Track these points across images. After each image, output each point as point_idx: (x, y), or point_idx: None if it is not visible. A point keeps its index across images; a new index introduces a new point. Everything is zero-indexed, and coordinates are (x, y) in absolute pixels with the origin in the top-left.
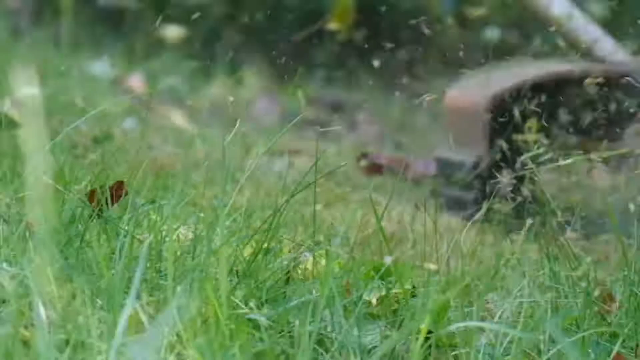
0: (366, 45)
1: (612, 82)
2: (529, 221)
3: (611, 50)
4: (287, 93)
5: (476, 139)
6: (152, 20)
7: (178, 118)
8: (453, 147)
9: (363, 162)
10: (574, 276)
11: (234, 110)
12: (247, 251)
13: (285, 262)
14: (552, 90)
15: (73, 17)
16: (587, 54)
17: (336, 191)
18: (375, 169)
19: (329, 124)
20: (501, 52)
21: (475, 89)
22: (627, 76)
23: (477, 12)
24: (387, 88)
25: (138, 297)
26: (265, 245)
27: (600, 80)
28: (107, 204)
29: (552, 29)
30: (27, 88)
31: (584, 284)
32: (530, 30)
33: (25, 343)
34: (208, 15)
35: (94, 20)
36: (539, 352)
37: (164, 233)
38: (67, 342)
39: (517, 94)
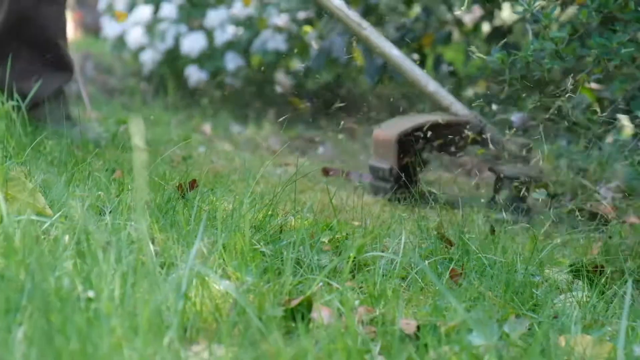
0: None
1: (462, 125)
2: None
3: (460, 108)
4: (284, 134)
5: (390, 156)
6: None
7: (227, 146)
8: (378, 160)
9: (324, 170)
10: (431, 228)
11: (257, 142)
12: (260, 215)
13: (280, 221)
14: (430, 129)
15: (174, 93)
16: (447, 110)
17: (309, 184)
18: (330, 173)
19: (306, 150)
20: (400, 110)
21: (389, 129)
22: (468, 123)
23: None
24: (336, 131)
25: (202, 239)
26: (270, 212)
27: (455, 124)
28: (187, 191)
29: (429, 97)
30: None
31: (435, 232)
32: (416, 98)
33: (143, 264)
34: (244, 91)
35: (185, 94)
36: (412, 268)
37: (216, 206)
38: (164, 263)
39: (412, 131)
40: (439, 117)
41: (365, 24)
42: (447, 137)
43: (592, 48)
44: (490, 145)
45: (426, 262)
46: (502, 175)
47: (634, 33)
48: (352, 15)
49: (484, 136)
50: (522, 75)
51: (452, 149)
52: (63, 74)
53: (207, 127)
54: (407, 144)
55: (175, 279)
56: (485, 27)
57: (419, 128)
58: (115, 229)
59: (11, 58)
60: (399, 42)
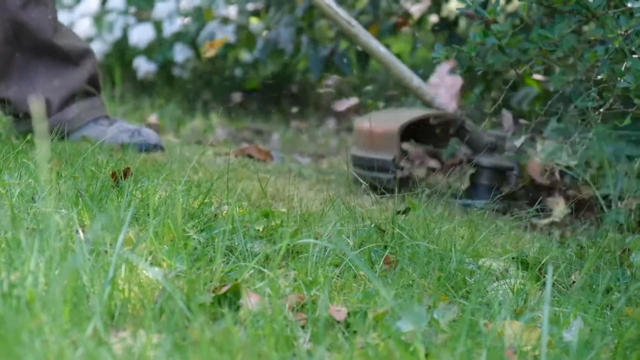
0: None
1: (448, 120)
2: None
3: (441, 103)
4: (232, 125)
5: (393, 147)
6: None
7: (171, 137)
8: (375, 152)
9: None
10: (368, 217)
11: (204, 134)
12: (195, 203)
13: (214, 209)
14: (422, 123)
15: (122, 84)
16: (429, 104)
17: (247, 173)
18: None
19: (253, 141)
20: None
21: (386, 121)
22: (452, 117)
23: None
24: (283, 122)
25: (133, 226)
26: (204, 200)
27: (441, 118)
28: (121, 179)
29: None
30: None
31: (368, 222)
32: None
33: (73, 251)
34: (193, 82)
35: (134, 86)
36: (346, 255)
37: (150, 194)
38: (92, 250)
39: (410, 124)
40: (430, 111)
41: (354, 22)
42: (435, 131)
43: (534, 41)
44: (469, 138)
45: (360, 249)
46: (480, 166)
47: (576, 25)
48: (342, 13)
49: (464, 130)
50: (468, 68)
51: (438, 142)
52: (74, 70)
53: (153, 118)
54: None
55: (102, 265)
56: (433, 18)
57: (418, 121)
58: (44, 215)
59: (18, 69)
60: (345, 34)
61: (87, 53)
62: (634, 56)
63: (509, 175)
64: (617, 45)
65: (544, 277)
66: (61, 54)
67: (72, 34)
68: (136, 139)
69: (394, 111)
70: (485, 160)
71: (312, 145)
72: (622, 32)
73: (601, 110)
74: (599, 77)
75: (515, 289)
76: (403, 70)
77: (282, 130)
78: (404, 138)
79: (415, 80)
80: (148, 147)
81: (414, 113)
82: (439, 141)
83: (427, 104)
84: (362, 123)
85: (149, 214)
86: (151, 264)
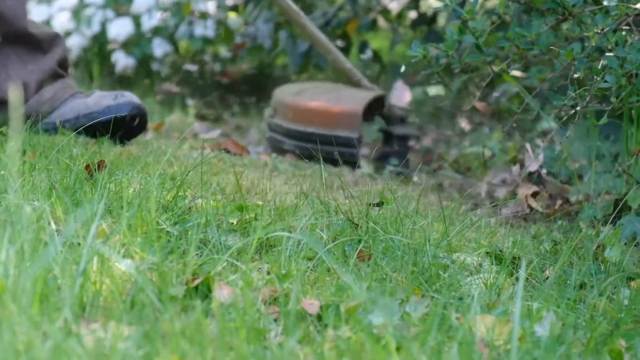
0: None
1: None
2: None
3: (367, 83)
4: (209, 118)
5: (357, 126)
6: (144, 80)
7: (150, 131)
8: (338, 130)
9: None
10: (342, 211)
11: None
12: (169, 196)
13: (188, 202)
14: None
15: (100, 78)
16: (357, 84)
17: (223, 167)
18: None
19: (231, 135)
20: None
21: (343, 100)
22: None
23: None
24: (262, 117)
25: (106, 218)
26: (179, 193)
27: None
28: (95, 171)
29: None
30: None
31: (342, 216)
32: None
33: (45, 243)
34: (172, 77)
35: (112, 80)
36: (316, 253)
37: (124, 186)
38: (65, 242)
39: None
40: (378, 93)
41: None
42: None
43: (511, 39)
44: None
45: (334, 243)
46: (392, 134)
47: (553, 23)
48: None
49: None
50: (446, 65)
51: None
52: (46, 55)
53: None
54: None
55: (74, 257)
56: (411, 14)
57: (374, 100)
58: (16, 207)
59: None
60: (324, 28)
61: (56, 38)
62: (610, 54)
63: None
64: (593, 44)
65: (518, 271)
66: (34, 41)
67: (38, 22)
68: (120, 100)
69: (318, 86)
70: (397, 129)
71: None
72: (599, 31)
73: (578, 108)
74: (576, 75)
75: (488, 284)
76: (337, 54)
77: (260, 126)
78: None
79: (347, 64)
80: (133, 107)
81: (363, 93)
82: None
83: (355, 84)
84: (298, 98)
85: (122, 207)
86: (124, 257)
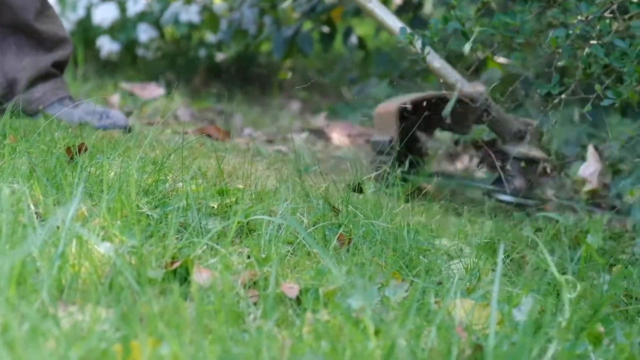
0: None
1: (466, 102)
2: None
3: (466, 86)
4: (195, 105)
5: (390, 128)
6: (127, 64)
7: (133, 117)
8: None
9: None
10: (322, 196)
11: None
12: (150, 180)
13: (169, 186)
14: (434, 104)
15: (84, 64)
16: (453, 88)
17: (204, 151)
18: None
19: (216, 121)
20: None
21: (390, 102)
22: (473, 99)
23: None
24: (247, 102)
25: (85, 201)
26: (159, 176)
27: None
28: (76, 154)
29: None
30: None
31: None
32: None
33: (24, 226)
34: (157, 62)
35: (97, 65)
36: (299, 233)
37: (105, 169)
38: (44, 225)
39: (412, 104)
40: (442, 93)
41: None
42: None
43: (496, 26)
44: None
45: (314, 227)
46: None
47: (538, 10)
48: None
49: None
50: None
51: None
52: (45, 55)
53: (114, 98)
54: (407, 117)
55: (53, 240)
56: (397, 0)
57: (421, 101)
58: None
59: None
60: (309, 14)
61: (63, 42)
62: (594, 42)
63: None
64: (577, 32)
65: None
66: (37, 37)
67: (58, 21)
68: (105, 122)
69: (413, 95)
70: (514, 149)
71: (275, 126)
72: (583, 19)
73: (562, 96)
74: (560, 63)
75: (469, 268)
76: (434, 55)
77: (245, 111)
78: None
79: (436, 62)
80: (117, 129)
81: (420, 94)
82: (464, 127)
83: (451, 88)
84: (380, 106)
85: (103, 190)
86: (103, 240)
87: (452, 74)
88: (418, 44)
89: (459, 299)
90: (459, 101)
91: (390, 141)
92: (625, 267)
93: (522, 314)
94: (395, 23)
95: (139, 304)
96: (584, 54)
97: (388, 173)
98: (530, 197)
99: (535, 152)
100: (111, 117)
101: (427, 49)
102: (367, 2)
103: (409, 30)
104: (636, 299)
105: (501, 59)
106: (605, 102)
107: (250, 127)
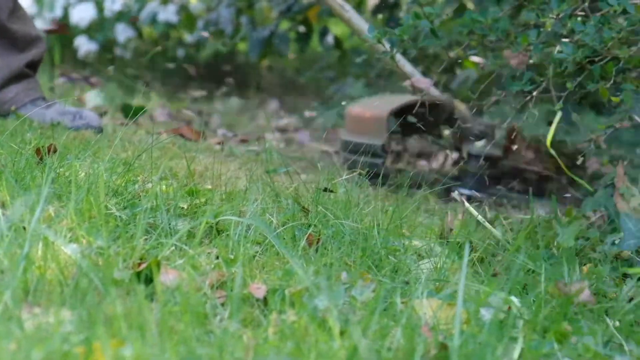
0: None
1: (438, 105)
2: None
3: (434, 91)
4: (172, 105)
5: (382, 133)
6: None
7: (109, 118)
8: (365, 137)
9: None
10: (288, 194)
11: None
12: (121, 180)
13: (138, 187)
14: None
15: (61, 63)
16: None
17: (178, 152)
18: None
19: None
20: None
21: (376, 106)
22: (442, 103)
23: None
24: (224, 102)
25: (51, 202)
26: (129, 177)
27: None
28: (46, 155)
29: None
30: None
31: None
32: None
33: None
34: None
35: (75, 65)
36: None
37: (74, 170)
38: (10, 226)
39: (400, 109)
40: (419, 97)
41: (347, 6)
42: (424, 117)
43: (467, 24)
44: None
45: (283, 228)
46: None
47: (509, 9)
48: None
49: (454, 116)
50: (404, 52)
51: (427, 128)
52: (18, 55)
53: (90, 96)
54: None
55: (19, 241)
56: (373, 0)
57: (407, 106)
58: None
59: None
60: (285, 14)
61: (37, 40)
62: (565, 40)
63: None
64: (549, 29)
65: (470, 255)
66: (10, 37)
67: (29, 20)
68: (78, 122)
69: (385, 97)
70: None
71: (252, 125)
72: (554, 16)
73: (534, 94)
74: (531, 61)
75: (438, 267)
76: (399, 57)
77: (223, 111)
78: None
79: (407, 67)
80: (90, 130)
81: (403, 98)
82: (431, 127)
83: (419, 91)
84: (354, 108)
85: (71, 191)
86: (70, 241)
87: (422, 80)
88: (387, 43)
89: (425, 299)
90: (430, 105)
91: (383, 146)
92: (595, 266)
93: (490, 313)
94: (366, 26)
95: (103, 305)
96: (555, 51)
97: (361, 174)
98: (489, 192)
99: (493, 151)
100: (84, 118)
101: (398, 56)
102: (344, 12)
103: (376, 29)
104: (605, 297)
105: (477, 59)
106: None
107: (227, 127)
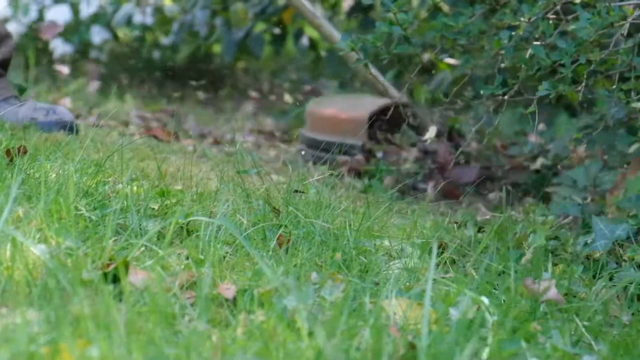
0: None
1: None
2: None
3: (393, 92)
4: (147, 107)
5: (361, 133)
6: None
7: (82, 119)
8: (334, 137)
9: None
10: (262, 196)
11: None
12: (91, 181)
13: (109, 188)
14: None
15: (37, 66)
16: (382, 93)
17: (150, 153)
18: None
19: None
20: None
21: (351, 108)
22: (406, 105)
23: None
24: (200, 104)
25: (21, 204)
26: (99, 178)
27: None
28: (16, 156)
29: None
30: None
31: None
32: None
33: None
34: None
35: (50, 68)
36: (240, 234)
37: (43, 172)
38: None
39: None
40: (389, 100)
41: (319, 13)
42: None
43: (438, 28)
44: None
45: (253, 228)
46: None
47: (481, 12)
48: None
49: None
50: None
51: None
52: None
53: (66, 101)
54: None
55: None
56: (347, 2)
57: (384, 109)
58: None
59: None
60: (260, 16)
61: (5, 38)
62: (537, 43)
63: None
64: (520, 33)
65: (440, 255)
66: None
67: None
68: (51, 117)
69: (347, 98)
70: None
71: (226, 127)
72: (526, 20)
73: (506, 97)
74: (503, 64)
75: (409, 267)
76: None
77: (198, 113)
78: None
79: (372, 70)
80: (63, 125)
81: (375, 101)
82: (391, 126)
83: (380, 93)
84: (322, 108)
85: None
86: (40, 242)
87: (390, 88)
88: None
89: (395, 298)
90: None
91: (363, 145)
92: (568, 266)
93: (459, 312)
94: (335, 32)
95: (71, 306)
96: (527, 55)
97: (336, 174)
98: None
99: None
100: (58, 113)
101: (370, 66)
102: (315, 18)
103: (350, 37)
104: (575, 297)
105: (451, 60)
106: (541, 93)
107: (201, 128)
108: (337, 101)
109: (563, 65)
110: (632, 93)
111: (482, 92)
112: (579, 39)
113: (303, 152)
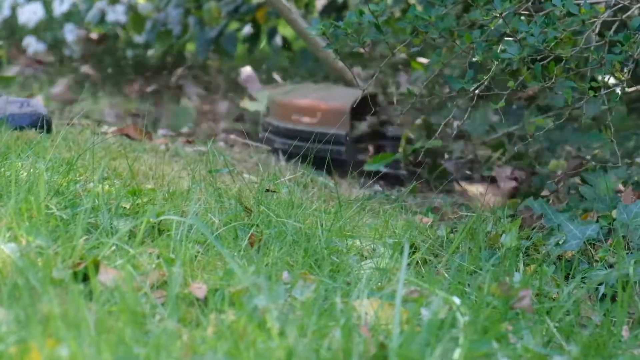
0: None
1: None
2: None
3: (360, 83)
4: (121, 106)
5: (344, 124)
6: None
7: (56, 118)
8: (318, 127)
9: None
10: (231, 194)
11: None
12: (63, 180)
13: (80, 187)
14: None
15: (8, 63)
16: (350, 83)
17: (122, 152)
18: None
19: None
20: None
21: (331, 99)
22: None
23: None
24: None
25: None
26: (70, 176)
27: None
28: None
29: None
30: None
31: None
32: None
33: None
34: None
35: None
36: (211, 233)
37: (14, 170)
38: None
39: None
40: (360, 90)
41: (293, 8)
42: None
43: (410, 20)
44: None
45: (225, 228)
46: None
47: (453, 6)
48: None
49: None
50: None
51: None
52: None
53: (38, 99)
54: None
55: None
56: (321, 1)
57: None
58: None
59: None
60: (233, 14)
61: None
62: (509, 38)
63: None
64: (492, 28)
65: (412, 256)
66: None
67: None
68: (25, 109)
69: (307, 87)
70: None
71: (200, 126)
72: (498, 15)
73: (477, 92)
74: (474, 59)
75: (381, 267)
76: (329, 53)
77: (171, 112)
78: None
79: (339, 63)
80: (37, 118)
81: (353, 91)
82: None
83: (348, 83)
84: (295, 98)
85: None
86: (10, 240)
87: (349, 73)
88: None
89: (366, 298)
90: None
91: (346, 135)
92: (539, 267)
93: (431, 312)
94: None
95: (40, 305)
96: (498, 50)
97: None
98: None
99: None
100: (32, 106)
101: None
102: (289, 13)
103: (320, 23)
104: (546, 297)
105: (423, 60)
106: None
107: (174, 127)
108: (307, 91)
109: (534, 62)
110: (602, 90)
111: (453, 86)
112: (549, 37)
113: (275, 145)
